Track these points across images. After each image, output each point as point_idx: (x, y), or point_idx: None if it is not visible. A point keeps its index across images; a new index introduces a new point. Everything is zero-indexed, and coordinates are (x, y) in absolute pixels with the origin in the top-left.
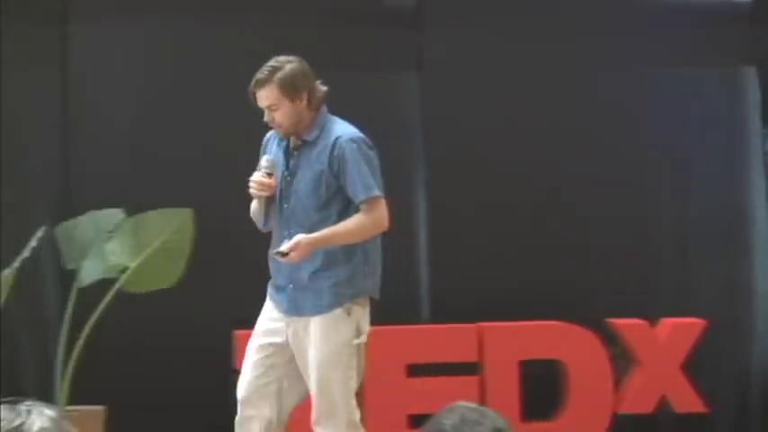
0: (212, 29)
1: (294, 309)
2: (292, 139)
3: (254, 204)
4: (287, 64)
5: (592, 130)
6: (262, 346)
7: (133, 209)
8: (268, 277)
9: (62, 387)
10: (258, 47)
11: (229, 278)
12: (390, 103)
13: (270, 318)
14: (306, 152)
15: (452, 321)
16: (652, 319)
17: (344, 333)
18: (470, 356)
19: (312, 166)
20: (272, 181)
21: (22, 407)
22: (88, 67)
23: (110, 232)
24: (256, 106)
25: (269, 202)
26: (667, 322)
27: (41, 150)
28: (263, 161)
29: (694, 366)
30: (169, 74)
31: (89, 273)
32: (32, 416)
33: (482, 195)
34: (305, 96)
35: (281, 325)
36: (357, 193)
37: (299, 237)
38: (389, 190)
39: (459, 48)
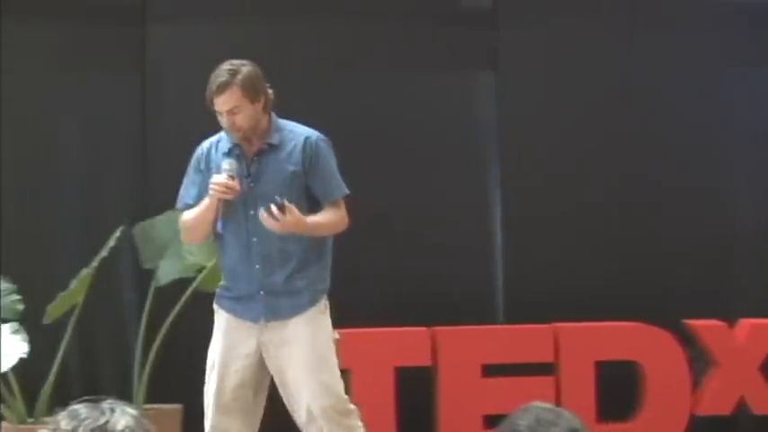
0: (288, 29)
1: (270, 314)
2: (243, 146)
3: (200, 212)
4: (243, 67)
5: (667, 130)
6: (232, 373)
7: None
8: (343, 279)
9: (140, 385)
10: (336, 48)
11: None
12: (466, 102)
13: (230, 336)
14: (271, 156)
15: (528, 322)
16: (730, 319)
17: (327, 329)
18: (546, 357)
19: (282, 168)
20: (236, 183)
21: (105, 405)
22: (166, 68)
23: None
24: (212, 112)
25: (228, 205)
26: (746, 323)
27: (120, 151)
28: (226, 164)
29: None
30: None
31: (166, 272)
32: (116, 414)
33: (557, 195)
34: (263, 99)
35: (246, 339)
36: (332, 190)
37: (293, 208)
38: (465, 190)
39: (535, 47)
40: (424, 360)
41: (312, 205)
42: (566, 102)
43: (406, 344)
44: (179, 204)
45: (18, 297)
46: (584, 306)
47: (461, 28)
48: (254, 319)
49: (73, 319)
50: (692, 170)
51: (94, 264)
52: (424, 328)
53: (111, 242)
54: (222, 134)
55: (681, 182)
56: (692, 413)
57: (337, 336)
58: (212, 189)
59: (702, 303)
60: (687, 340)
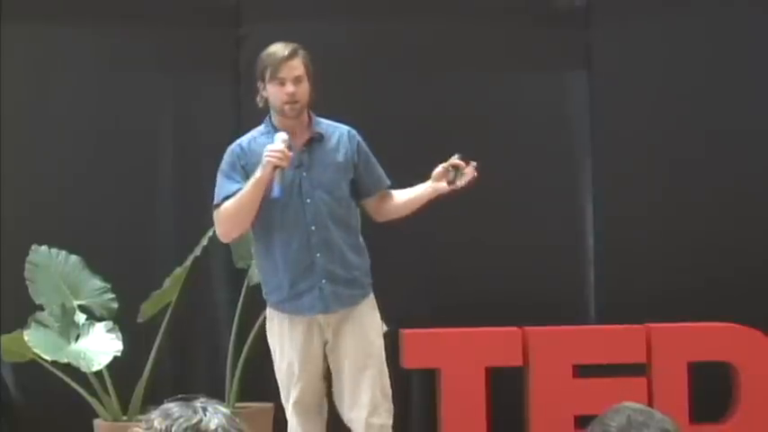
0: (383, 29)
1: (333, 303)
2: (289, 138)
3: (247, 191)
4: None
5: (764, 127)
6: (312, 375)
7: None
8: (435, 278)
9: (232, 384)
10: (429, 49)
11: (397, 279)
12: (559, 102)
13: (298, 340)
14: (319, 146)
15: (620, 322)
16: None
17: (378, 321)
18: (638, 357)
19: (332, 158)
20: (290, 153)
21: (198, 404)
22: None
23: None
24: (271, 77)
25: (281, 174)
26: None
27: (214, 150)
28: (281, 136)
29: None
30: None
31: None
32: (208, 413)
33: (651, 195)
34: (311, 82)
35: (314, 336)
36: (382, 180)
37: None
38: (558, 190)
39: (628, 46)
40: (515, 360)
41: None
42: (660, 100)
43: (498, 344)
44: (217, 200)
45: (112, 296)
46: (676, 306)
47: (554, 27)
48: (321, 311)
49: (166, 318)
50: None
51: (187, 263)
52: (515, 329)
53: (204, 241)
54: (254, 134)
55: None
56: None
57: (386, 328)
58: (269, 156)
59: None
60: None
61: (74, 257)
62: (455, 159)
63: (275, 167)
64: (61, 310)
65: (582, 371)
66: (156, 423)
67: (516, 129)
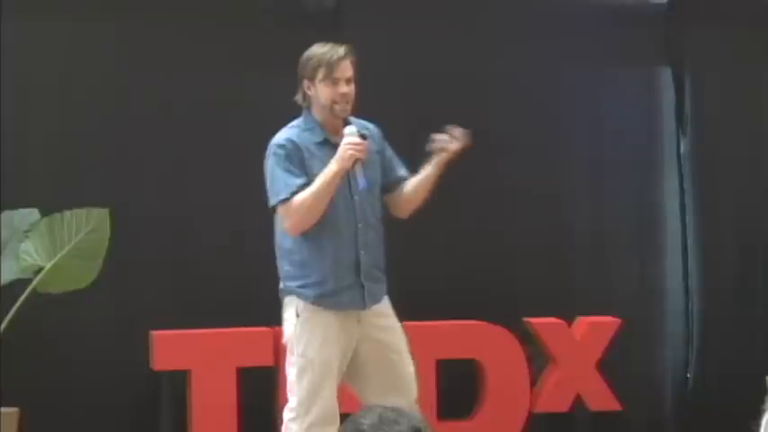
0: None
1: (371, 299)
2: (331, 138)
3: (325, 182)
4: None
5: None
6: (337, 362)
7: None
8: (185, 278)
9: None
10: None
11: (146, 279)
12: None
13: (337, 337)
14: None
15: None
16: (568, 317)
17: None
18: None
19: (371, 156)
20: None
21: None
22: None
23: (25, 232)
24: (324, 76)
25: (361, 166)
26: (583, 321)
27: None
28: (351, 129)
29: (609, 365)
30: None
31: (4, 273)
32: None
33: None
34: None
35: (351, 333)
36: (404, 171)
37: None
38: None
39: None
40: (266, 360)
41: None
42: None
43: (249, 344)
44: (285, 194)
45: None
46: (425, 305)
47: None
48: (360, 307)
49: None
50: (526, 172)
51: None
52: (266, 329)
53: None
54: (296, 130)
55: (515, 183)
56: (530, 410)
57: None
58: (352, 149)
59: (541, 302)
60: (526, 338)
61: None
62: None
63: (356, 160)
64: None
65: None
66: None
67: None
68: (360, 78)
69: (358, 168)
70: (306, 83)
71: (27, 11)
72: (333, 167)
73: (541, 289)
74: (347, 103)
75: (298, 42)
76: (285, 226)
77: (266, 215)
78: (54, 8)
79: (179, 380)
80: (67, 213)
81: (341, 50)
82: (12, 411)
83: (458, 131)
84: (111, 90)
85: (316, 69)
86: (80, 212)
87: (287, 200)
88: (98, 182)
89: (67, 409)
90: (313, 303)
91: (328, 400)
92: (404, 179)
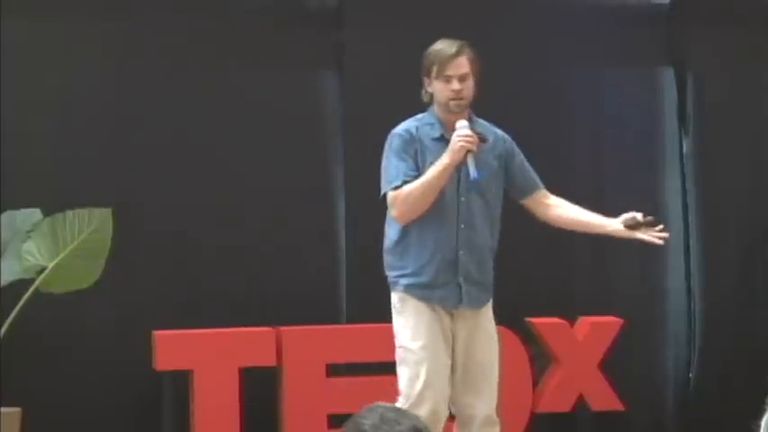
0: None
1: (467, 302)
2: (450, 133)
3: (436, 174)
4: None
5: None
6: (443, 353)
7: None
8: (187, 278)
9: None
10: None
11: (148, 279)
12: (313, 102)
13: (433, 327)
14: (480, 146)
15: (372, 321)
16: (570, 318)
17: (495, 327)
18: (391, 356)
19: (489, 158)
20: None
21: None
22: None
23: (27, 232)
24: (438, 74)
25: (473, 157)
26: (585, 321)
27: None
28: (463, 123)
29: (611, 365)
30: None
31: (6, 273)
32: None
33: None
34: (476, 80)
35: (446, 328)
36: (538, 181)
37: None
38: (309, 190)
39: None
40: (269, 360)
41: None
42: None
43: (251, 344)
44: (397, 182)
45: None
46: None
47: (306, 27)
48: (452, 306)
49: None
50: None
51: None
52: (268, 329)
53: None
54: (417, 123)
55: None
56: (532, 410)
57: None
58: (463, 141)
59: (544, 302)
60: (528, 338)
61: None
62: (640, 217)
63: (467, 152)
64: None
65: (334, 369)
66: None
67: (271, 128)
68: (360, 78)
69: (470, 160)
70: (426, 80)
71: (27, 11)
72: (444, 160)
73: (543, 289)
74: (461, 99)
75: (300, 41)
76: (392, 214)
77: (267, 215)
78: (54, 8)
79: (181, 380)
80: (70, 213)
81: (454, 47)
82: (14, 411)
83: (658, 226)
84: (111, 90)
85: (431, 67)
86: (82, 212)
87: (397, 188)
88: (100, 182)
89: (70, 410)
90: (405, 293)
91: (432, 379)
92: (537, 188)
